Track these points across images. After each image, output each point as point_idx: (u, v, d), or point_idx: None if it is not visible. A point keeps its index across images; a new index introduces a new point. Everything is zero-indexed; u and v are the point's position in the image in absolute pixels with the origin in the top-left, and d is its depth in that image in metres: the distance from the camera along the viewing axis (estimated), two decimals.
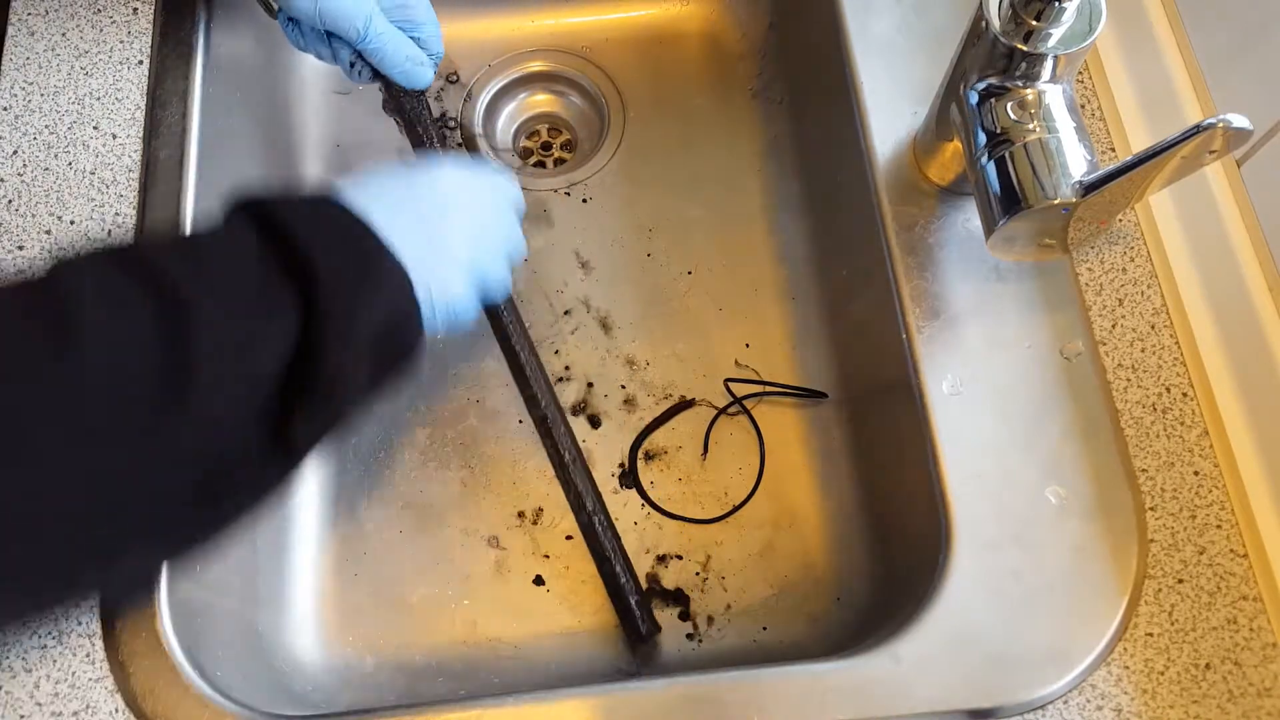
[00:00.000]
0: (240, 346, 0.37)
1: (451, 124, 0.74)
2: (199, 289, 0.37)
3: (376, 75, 0.58)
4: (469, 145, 0.73)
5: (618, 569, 0.58)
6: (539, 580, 0.61)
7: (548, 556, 0.61)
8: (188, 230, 0.56)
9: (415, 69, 0.58)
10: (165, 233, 0.56)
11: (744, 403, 0.65)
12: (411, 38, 0.57)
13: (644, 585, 0.60)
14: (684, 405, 0.66)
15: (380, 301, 0.41)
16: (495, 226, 0.51)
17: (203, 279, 0.38)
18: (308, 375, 0.38)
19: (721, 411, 0.65)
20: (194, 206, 0.57)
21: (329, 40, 0.56)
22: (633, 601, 0.57)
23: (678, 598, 0.61)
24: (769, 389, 0.65)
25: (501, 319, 0.57)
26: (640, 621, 0.57)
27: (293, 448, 0.40)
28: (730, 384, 0.65)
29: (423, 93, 0.60)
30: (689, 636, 0.60)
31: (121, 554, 0.38)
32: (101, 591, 0.48)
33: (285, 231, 0.39)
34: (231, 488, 0.39)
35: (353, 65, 0.57)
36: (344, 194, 0.44)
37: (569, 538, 0.62)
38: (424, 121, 0.60)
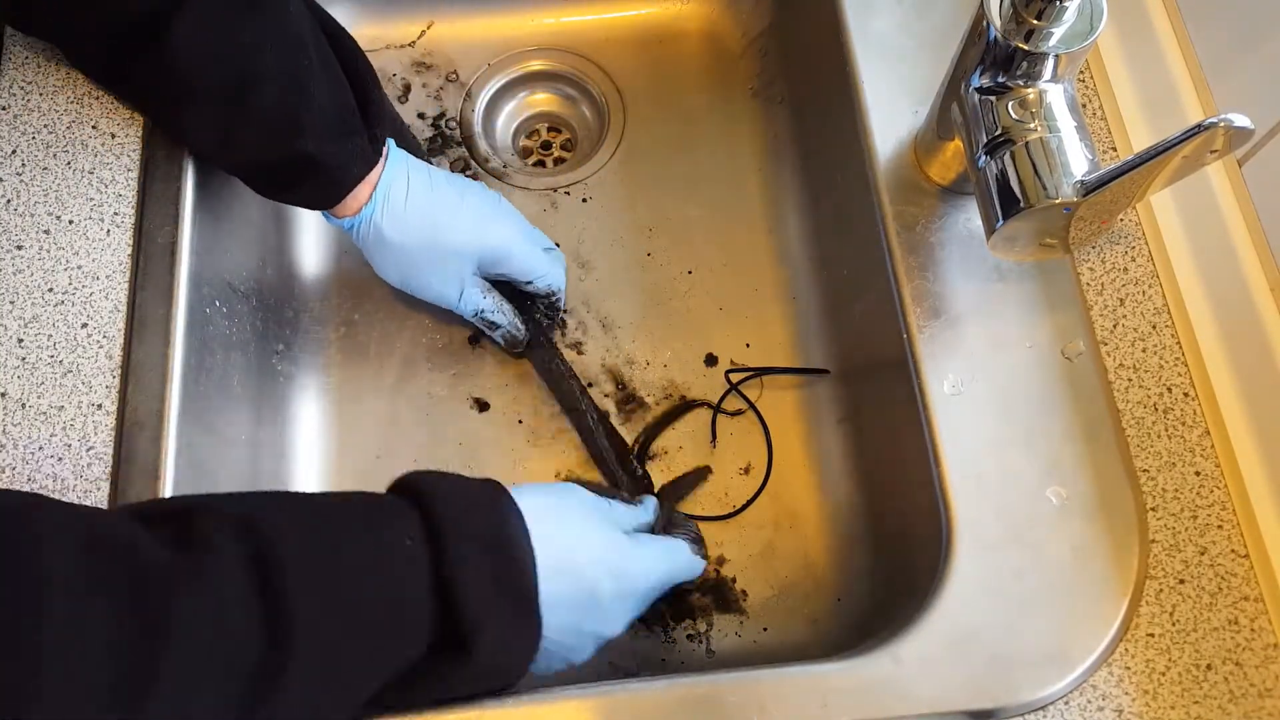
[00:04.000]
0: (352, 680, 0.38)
1: (451, 124, 0.74)
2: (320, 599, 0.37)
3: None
4: (468, 145, 0.73)
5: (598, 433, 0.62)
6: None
7: None
8: (186, 232, 0.56)
9: (515, 330, 0.63)
10: (162, 245, 0.55)
11: (749, 398, 0.65)
12: (524, 285, 0.61)
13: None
14: (685, 406, 0.66)
15: (509, 661, 0.43)
16: (642, 594, 0.49)
17: (328, 587, 0.37)
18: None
19: (721, 400, 0.65)
20: (193, 206, 0.57)
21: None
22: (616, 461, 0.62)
23: (679, 598, 0.61)
24: (769, 371, 0.66)
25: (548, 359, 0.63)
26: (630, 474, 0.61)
27: None
28: (730, 374, 0.65)
29: (552, 344, 0.65)
30: (690, 637, 0.59)
31: None
32: None
33: (445, 554, 0.40)
34: None
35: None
36: (524, 522, 0.44)
37: None
38: (555, 376, 0.65)
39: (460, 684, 0.42)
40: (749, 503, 0.63)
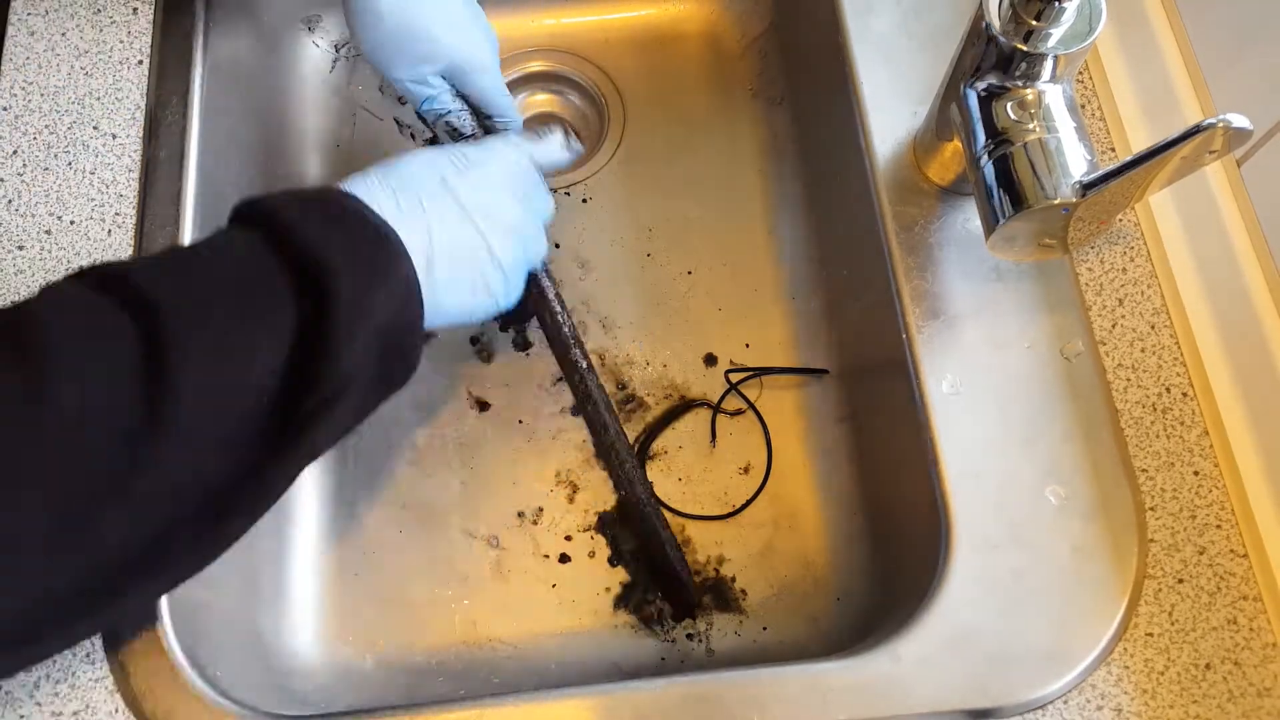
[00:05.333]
0: (228, 353, 0.35)
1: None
2: (180, 301, 0.35)
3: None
4: None
5: (664, 540, 0.61)
6: (565, 558, 0.62)
7: (547, 556, 0.61)
8: (188, 232, 0.56)
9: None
10: (164, 246, 0.55)
11: (748, 398, 0.65)
12: (485, 116, 0.59)
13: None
14: (685, 406, 0.66)
15: (387, 293, 0.40)
16: (525, 193, 0.50)
17: (188, 289, 0.36)
18: (313, 374, 0.37)
19: (720, 400, 0.65)
20: (194, 206, 0.57)
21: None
22: (681, 571, 0.60)
23: (678, 595, 0.61)
24: (769, 371, 0.66)
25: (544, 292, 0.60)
26: (691, 590, 0.60)
27: (298, 452, 0.38)
28: (730, 374, 0.66)
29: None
30: (690, 637, 0.60)
31: (119, 596, 0.36)
32: (103, 629, 0.47)
33: (288, 233, 0.38)
34: (235, 502, 0.38)
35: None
36: (349, 188, 0.44)
37: (568, 538, 0.62)
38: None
39: (348, 356, 0.38)
40: (748, 502, 0.63)
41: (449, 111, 0.58)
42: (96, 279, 0.36)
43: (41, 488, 0.32)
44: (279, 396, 0.37)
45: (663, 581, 0.60)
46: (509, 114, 0.58)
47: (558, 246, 0.70)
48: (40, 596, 0.34)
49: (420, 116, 0.58)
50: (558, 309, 0.60)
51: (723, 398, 0.65)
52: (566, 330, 0.61)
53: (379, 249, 0.42)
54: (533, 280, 0.58)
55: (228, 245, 0.40)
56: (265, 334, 0.37)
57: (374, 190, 0.45)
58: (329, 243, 0.39)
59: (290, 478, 0.40)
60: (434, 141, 0.61)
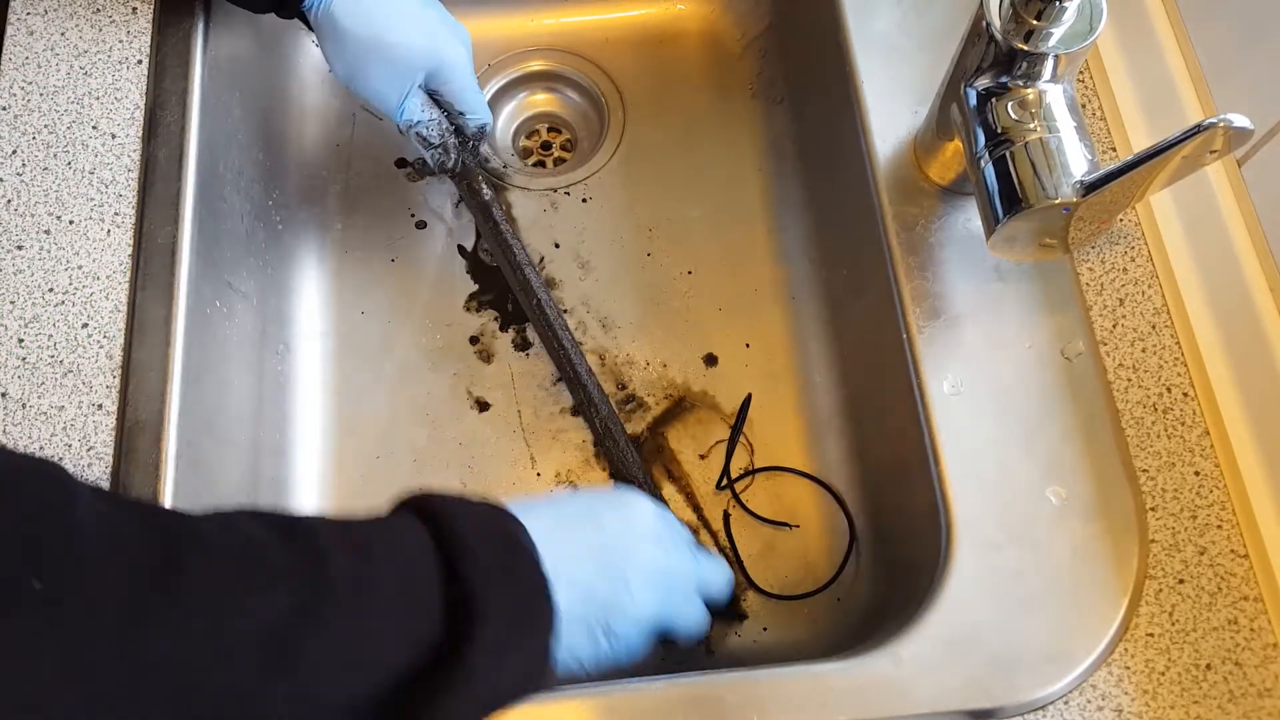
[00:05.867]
0: (369, 634, 0.34)
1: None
2: (347, 561, 0.34)
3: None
4: None
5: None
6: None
7: None
8: (187, 232, 0.56)
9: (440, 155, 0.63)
10: (164, 245, 0.55)
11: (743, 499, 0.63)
12: (456, 113, 0.61)
13: None
14: (685, 406, 0.66)
15: (524, 657, 0.38)
16: (669, 605, 0.44)
17: (355, 557, 0.35)
18: (431, 699, 0.36)
19: (726, 520, 0.65)
20: (194, 206, 0.57)
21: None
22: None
23: None
24: (766, 470, 0.64)
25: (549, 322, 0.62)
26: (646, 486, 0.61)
27: None
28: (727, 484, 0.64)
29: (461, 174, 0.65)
30: None
31: None
32: None
33: (454, 546, 0.37)
34: None
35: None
36: (524, 519, 0.40)
37: None
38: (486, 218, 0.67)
39: (466, 699, 0.37)
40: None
41: (418, 122, 0.60)
42: (274, 519, 0.35)
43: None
44: (394, 702, 0.36)
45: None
46: (478, 110, 0.61)
47: (557, 246, 0.70)
48: None
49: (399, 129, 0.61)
50: (507, 235, 0.64)
51: (727, 519, 0.63)
52: (517, 251, 0.64)
53: (535, 605, 0.39)
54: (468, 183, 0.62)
55: (401, 534, 0.38)
56: (406, 637, 0.36)
57: (547, 535, 0.40)
58: (489, 581, 0.37)
59: None
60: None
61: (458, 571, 0.36)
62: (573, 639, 0.40)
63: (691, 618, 0.45)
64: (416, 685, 0.36)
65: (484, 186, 0.67)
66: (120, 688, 0.29)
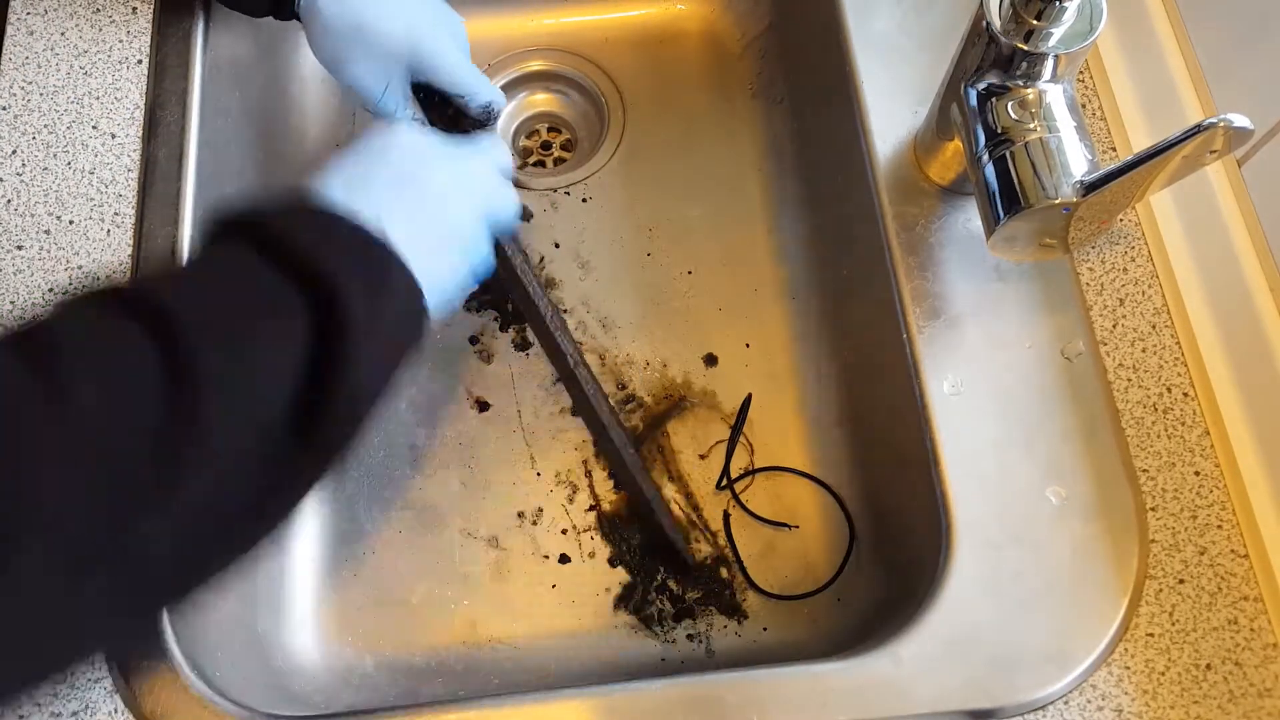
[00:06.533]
0: (247, 364, 0.36)
1: None
2: (192, 313, 0.35)
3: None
4: None
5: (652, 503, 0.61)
6: (564, 559, 0.61)
7: (547, 557, 0.61)
8: (187, 232, 0.56)
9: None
10: (161, 265, 0.55)
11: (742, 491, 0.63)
12: (455, 97, 0.57)
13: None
14: (684, 406, 0.66)
15: (394, 305, 0.40)
16: (481, 195, 0.49)
17: (199, 303, 0.36)
18: (331, 389, 0.37)
19: (727, 522, 0.65)
20: (193, 206, 0.57)
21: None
22: (672, 535, 0.61)
23: (679, 599, 0.61)
24: (765, 469, 0.64)
25: (513, 266, 0.59)
26: (684, 553, 0.60)
27: (319, 459, 0.39)
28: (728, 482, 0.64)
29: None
30: (690, 637, 0.59)
31: (156, 604, 0.36)
32: (108, 646, 0.45)
33: (286, 247, 0.38)
34: (258, 511, 0.38)
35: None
36: (325, 193, 0.43)
37: (565, 533, 0.62)
38: None
39: (373, 360, 0.39)
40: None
41: (399, 116, 0.57)
42: (110, 293, 0.36)
43: (78, 482, 0.31)
44: (299, 405, 0.37)
45: (664, 556, 0.61)
46: (476, 90, 0.57)
47: (557, 246, 0.70)
48: (88, 598, 0.33)
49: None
50: (528, 279, 0.60)
51: (727, 520, 0.63)
52: (534, 288, 0.60)
53: (372, 252, 0.41)
54: (500, 252, 0.58)
55: (226, 262, 0.39)
56: (280, 345, 0.37)
57: (346, 191, 0.44)
58: (324, 253, 0.39)
59: (311, 485, 0.40)
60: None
61: (296, 267, 0.38)
62: (429, 276, 0.43)
63: (505, 197, 0.51)
64: (309, 392, 0.37)
65: None
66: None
